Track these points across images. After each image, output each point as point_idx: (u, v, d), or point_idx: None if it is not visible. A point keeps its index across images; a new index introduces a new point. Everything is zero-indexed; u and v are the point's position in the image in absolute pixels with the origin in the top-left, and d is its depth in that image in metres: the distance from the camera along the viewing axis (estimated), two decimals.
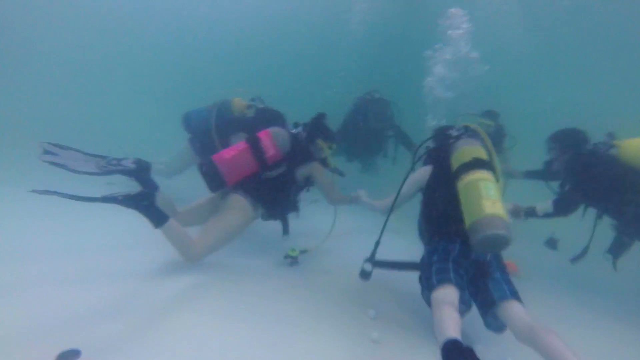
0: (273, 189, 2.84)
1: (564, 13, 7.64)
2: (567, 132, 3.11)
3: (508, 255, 2.27)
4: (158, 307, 2.01)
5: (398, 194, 2.48)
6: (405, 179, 2.52)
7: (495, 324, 2.04)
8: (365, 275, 2.41)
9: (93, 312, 1.86)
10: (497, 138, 4.35)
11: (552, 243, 3.38)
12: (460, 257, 2.11)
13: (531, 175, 3.92)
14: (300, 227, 3.40)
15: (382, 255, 2.43)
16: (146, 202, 2.22)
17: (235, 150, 2.67)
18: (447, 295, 1.89)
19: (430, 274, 2.08)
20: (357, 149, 5.40)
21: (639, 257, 2.89)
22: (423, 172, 2.58)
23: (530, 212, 3.11)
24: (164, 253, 2.49)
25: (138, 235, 2.57)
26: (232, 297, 2.26)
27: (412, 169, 2.63)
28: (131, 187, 2.28)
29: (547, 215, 3.06)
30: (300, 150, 2.99)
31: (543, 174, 3.54)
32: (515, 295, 2.00)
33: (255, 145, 2.70)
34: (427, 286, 2.07)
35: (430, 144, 2.74)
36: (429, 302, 2.00)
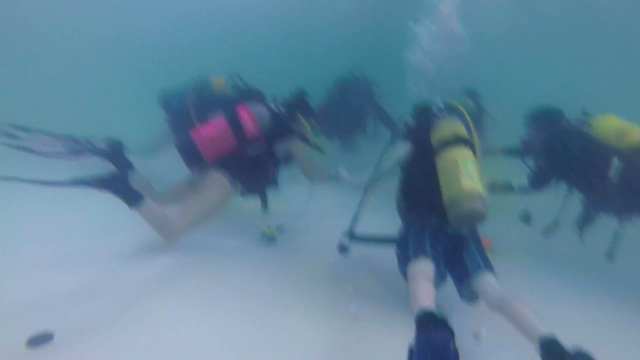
0: (252, 165, 2.80)
1: None
2: (543, 109, 3.17)
3: (483, 231, 2.33)
4: (135, 289, 1.99)
5: (376, 168, 2.49)
6: (382, 154, 2.53)
7: (469, 295, 2.11)
8: (343, 249, 2.44)
9: (69, 295, 1.83)
10: (477, 116, 4.39)
11: (526, 218, 3.48)
12: (436, 231, 2.16)
13: (509, 152, 4.00)
14: (281, 206, 3.39)
15: (361, 232, 2.45)
16: (118, 182, 2.16)
17: (213, 126, 2.60)
18: (423, 267, 1.94)
19: (406, 247, 2.13)
20: (337, 126, 5.37)
21: (608, 231, 3.03)
22: (402, 148, 2.58)
23: (507, 187, 3.19)
24: (140, 234, 2.45)
25: (114, 217, 2.51)
26: (210, 277, 2.26)
27: (391, 144, 2.64)
28: (102, 168, 2.22)
29: (522, 191, 3.14)
30: (280, 126, 2.93)
31: (520, 151, 3.62)
32: (489, 267, 2.06)
33: (233, 121, 2.64)
34: (404, 259, 2.12)
35: (410, 119, 2.74)
36: (405, 275, 2.05)
